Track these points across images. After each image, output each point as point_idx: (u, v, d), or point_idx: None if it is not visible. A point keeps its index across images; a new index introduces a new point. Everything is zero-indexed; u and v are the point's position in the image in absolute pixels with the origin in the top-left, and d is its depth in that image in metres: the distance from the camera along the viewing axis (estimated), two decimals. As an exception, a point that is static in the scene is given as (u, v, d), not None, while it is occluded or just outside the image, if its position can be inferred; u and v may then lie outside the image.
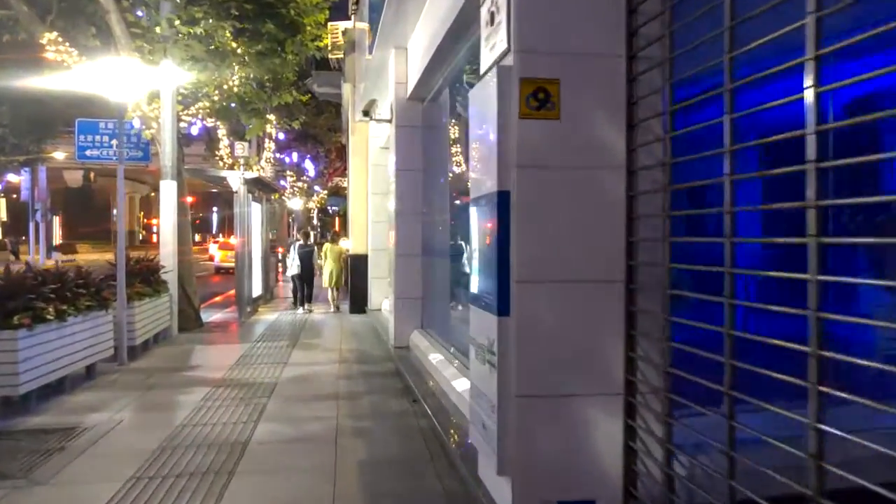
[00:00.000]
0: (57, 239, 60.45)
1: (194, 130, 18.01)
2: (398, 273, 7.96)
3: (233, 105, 12.34)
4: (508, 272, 3.00)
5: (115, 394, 6.27)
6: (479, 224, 3.41)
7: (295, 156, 26.38)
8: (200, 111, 11.11)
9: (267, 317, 12.66)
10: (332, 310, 13.53)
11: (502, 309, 3.01)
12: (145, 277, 8.90)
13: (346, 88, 13.53)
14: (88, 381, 6.80)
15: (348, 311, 13.14)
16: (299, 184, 25.38)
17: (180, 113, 10.97)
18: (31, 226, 37.33)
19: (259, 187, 13.76)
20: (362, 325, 11.39)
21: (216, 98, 11.04)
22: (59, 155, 37.67)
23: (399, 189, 7.98)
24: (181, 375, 7.20)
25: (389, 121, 8.24)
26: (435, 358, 6.64)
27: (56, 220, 63.43)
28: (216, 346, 9.23)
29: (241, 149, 11.70)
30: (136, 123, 11.00)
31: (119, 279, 7.72)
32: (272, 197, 21.21)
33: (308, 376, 7.07)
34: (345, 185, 44.59)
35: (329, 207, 68.05)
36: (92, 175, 74.05)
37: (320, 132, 24.83)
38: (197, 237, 66.05)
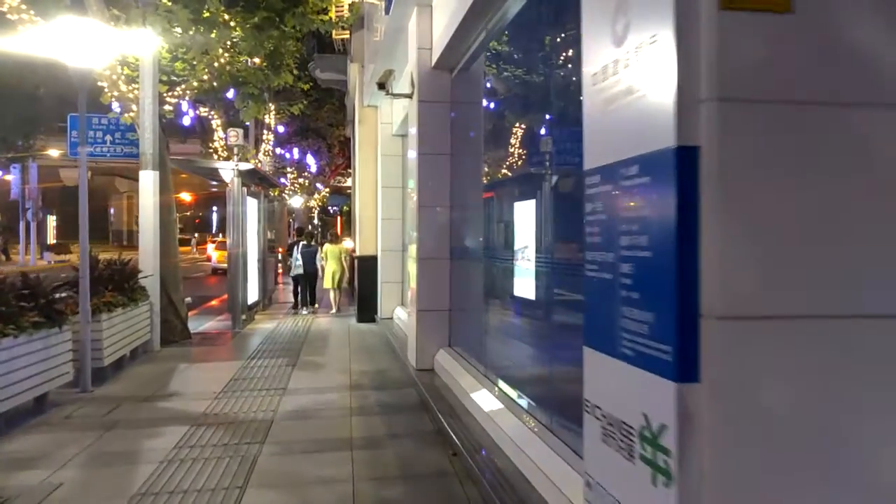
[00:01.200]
0: (51, 239, 59.11)
1: (186, 121, 16.69)
2: (421, 280, 6.56)
3: (228, 95, 11.01)
4: (694, 300, 1.60)
5: (63, 436, 4.87)
6: (612, 210, 2.00)
7: (296, 152, 24.97)
8: (188, 92, 9.70)
9: (265, 325, 11.26)
10: (333, 311, 12.91)
11: (684, 368, 1.60)
12: (118, 284, 7.50)
13: (353, 70, 12.15)
14: (37, 416, 5.41)
15: (355, 320, 11.74)
16: (300, 180, 23.94)
17: (164, 95, 9.58)
18: (22, 225, 35.99)
19: (255, 181, 12.37)
20: (373, 336, 9.99)
21: (206, 77, 9.64)
22: (53, 152, 36.44)
23: (422, 177, 6.58)
24: (154, 407, 5.80)
25: (410, 95, 6.83)
26: (471, 387, 5.24)
27: (50, 220, 62.15)
28: (203, 365, 7.83)
29: (234, 136, 10.26)
30: (116, 107, 9.67)
31: (82, 288, 6.31)
32: (271, 193, 19.85)
33: (312, 410, 5.67)
34: (347, 183, 43.15)
35: (330, 207, 66.72)
36: (90, 173, 73.03)
37: (322, 126, 23.42)
38: (196, 236, 64.96)
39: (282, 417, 5.40)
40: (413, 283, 6.81)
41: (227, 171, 10.81)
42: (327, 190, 36.18)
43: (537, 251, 4.78)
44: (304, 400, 5.99)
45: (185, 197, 58.85)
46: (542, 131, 4.80)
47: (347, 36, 12.66)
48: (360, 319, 11.46)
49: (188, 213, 71.23)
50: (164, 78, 9.69)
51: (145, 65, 8.46)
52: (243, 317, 11.55)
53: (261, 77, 10.16)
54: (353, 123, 15.72)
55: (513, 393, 4.75)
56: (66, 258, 44.56)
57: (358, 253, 11.80)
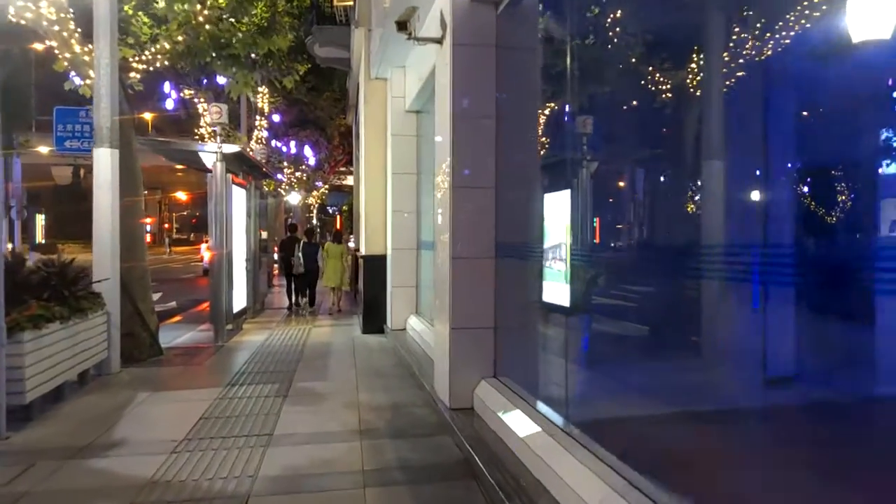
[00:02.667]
0: (40, 238, 57.35)
1: (169, 105, 14.99)
2: (456, 287, 4.84)
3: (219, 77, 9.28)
4: None
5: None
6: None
7: (293, 145, 23.21)
8: (158, 56, 7.98)
9: (254, 337, 9.54)
10: (334, 309, 12.68)
11: None
12: (56, 291, 5.78)
13: (358, 37, 10.43)
14: None
15: (360, 330, 10.02)
16: (298, 174, 22.19)
17: (131, 59, 7.87)
18: (4, 224, 34.22)
19: (244, 168, 10.65)
20: (383, 353, 8.27)
21: (180, 38, 7.93)
22: (43, 149, 34.70)
23: (458, 149, 4.87)
24: (82, 470, 4.08)
25: (439, 40, 5.12)
26: (544, 446, 3.53)
27: (39, 218, 60.37)
28: (169, 395, 6.11)
29: (216, 113, 8.55)
30: (76, 80, 7.98)
31: (-7, 297, 4.59)
32: (263, 185, 18.14)
33: (307, 476, 3.95)
34: (348, 182, 41.35)
35: (329, 207, 64.88)
36: (82, 171, 71.20)
37: (322, 116, 21.68)
38: (192, 236, 63.14)
39: (263, 489, 3.69)
40: (443, 292, 5.10)
41: (209, 154, 9.10)
42: (326, 187, 34.45)
43: (628, 247, 3.17)
44: (297, 456, 4.27)
45: (181, 196, 57.25)
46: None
47: (351, 3, 10.98)
48: (367, 330, 9.74)
49: (185, 213, 69.56)
50: (131, 41, 7.99)
51: (100, 12, 6.73)
52: (229, 327, 9.84)
53: (248, 40, 8.45)
54: (356, 105, 14.05)
55: (610, 457, 3.05)
56: (54, 258, 42.95)
57: (364, 252, 10.08)
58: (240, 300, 10.02)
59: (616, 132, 3.84)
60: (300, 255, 12.45)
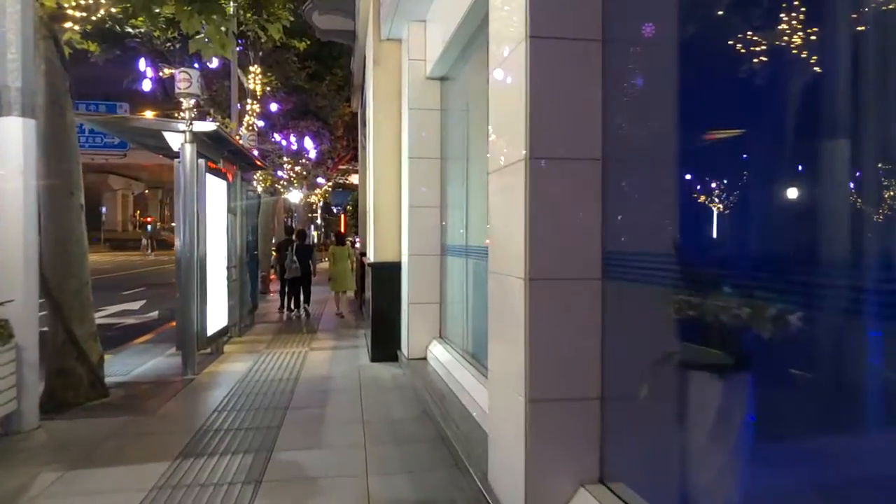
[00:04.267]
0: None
1: (146, 85, 13.02)
2: (537, 330, 2.83)
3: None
4: None
5: None
6: None
7: (292, 138, 21.21)
8: (102, 2, 6.01)
9: (234, 367, 7.57)
10: (337, 312, 12.48)
11: None
12: None
13: (365, -7, 8.46)
14: None
15: (367, 356, 8.03)
16: (297, 168, 20.18)
17: (65, 6, 5.91)
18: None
19: (224, 153, 8.67)
20: (400, 395, 6.28)
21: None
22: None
23: (538, 91, 2.85)
24: None
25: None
26: None
27: (32, 218, 58.59)
28: (85, 480, 4.12)
29: (184, 81, 6.58)
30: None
31: None
32: (257, 179, 16.19)
33: None
34: (352, 180, 39.31)
35: (333, 206, 62.91)
36: (80, 170, 69.46)
37: (324, 105, 19.66)
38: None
39: None
40: (506, 334, 3.10)
41: (175, 134, 7.13)
42: (329, 184, 32.48)
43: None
44: None
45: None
46: None
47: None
48: (376, 356, 7.75)
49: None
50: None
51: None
52: (206, 351, 7.89)
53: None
54: (362, 84, 12.08)
55: None
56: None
57: (372, 258, 8.09)
58: (218, 318, 8.05)
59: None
60: (295, 257, 12.01)
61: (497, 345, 3.28)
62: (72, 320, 5.83)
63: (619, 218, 2.82)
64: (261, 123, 18.49)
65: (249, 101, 14.38)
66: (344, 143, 23.12)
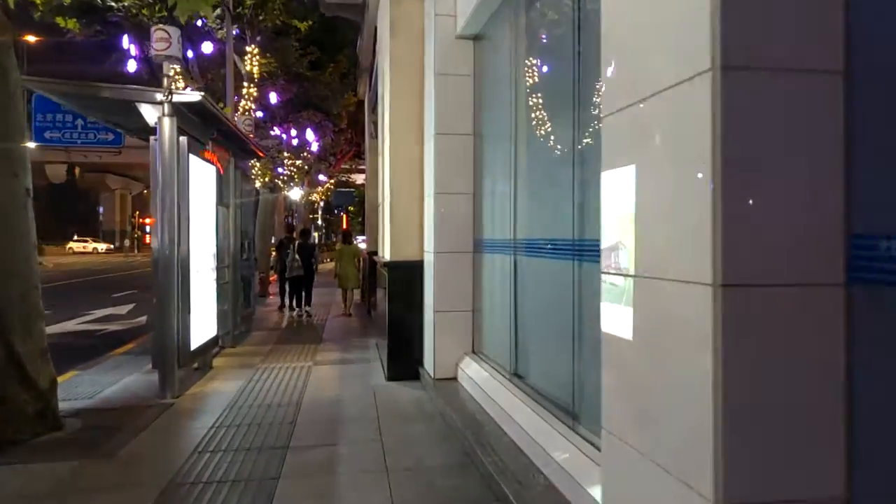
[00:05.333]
0: (26, 239, 54.37)
1: (131, 66, 11.76)
2: (735, 361, 1.58)
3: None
4: None
5: None
6: None
7: (293, 132, 19.93)
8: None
9: (223, 387, 6.33)
10: (344, 313, 12.27)
11: None
12: None
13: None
14: None
15: (383, 374, 6.77)
16: (298, 162, 18.89)
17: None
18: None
19: (214, 134, 7.40)
20: (428, 427, 5.01)
21: None
22: (31, 144, 31.80)
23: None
24: None
25: None
26: None
27: (26, 218, 57.45)
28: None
29: (162, 41, 5.32)
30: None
31: None
32: (253, 171, 14.95)
33: None
34: (353, 179, 38.05)
35: (335, 207, 61.66)
36: (77, 170, 68.28)
37: (326, 97, 18.37)
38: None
39: None
40: (656, 374, 1.84)
41: (150, 106, 5.87)
42: (331, 182, 31.26)
43: None
44: None
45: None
46: None
47: None
48: (393, 374, 6.49)
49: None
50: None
51: None
52: (194, 366, 6.66)
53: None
54: (371, 63, 10.89)
55: None
56: (39, 260, 39.90)
57: (387, 257, 6.83)
58: (205, 328, 6.79)
59: None
60: (296, 255, 11.79)
61: (636, 396, 2.01)
62: (13, 333, 4.59)
63: (881, 179, 1.56)
64: (259, 114, 17.26)
65: (246, 84, 13.12)
66: (347, 137, 21.87)
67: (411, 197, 6.49)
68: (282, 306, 12.75)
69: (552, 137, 4.09)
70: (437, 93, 5.82)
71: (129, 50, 11.13)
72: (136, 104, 5.88)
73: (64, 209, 63.45)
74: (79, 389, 6.20)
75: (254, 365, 7.42)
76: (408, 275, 6.45)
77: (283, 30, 15.39)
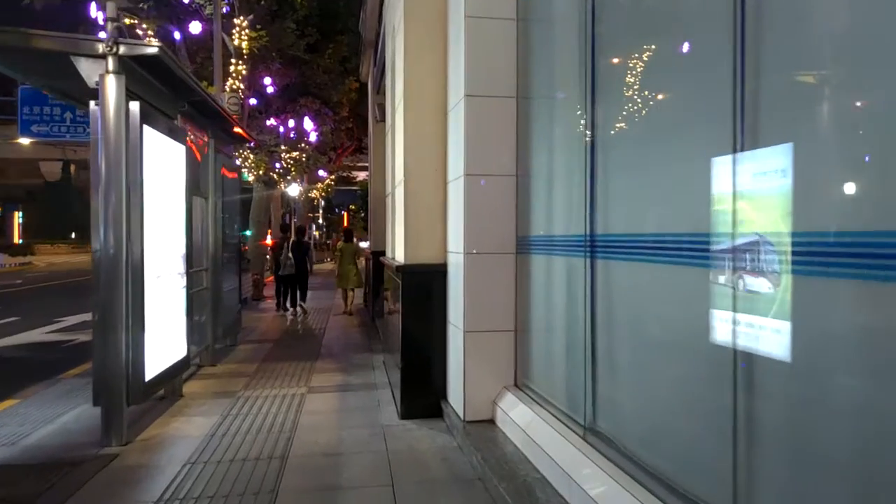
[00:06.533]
0: (17, 238, 53.07)
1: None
2: None
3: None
4: None
5: None
6: None
7: (291, 123, 18.47)
8: None
9: (189, 427, 4.91)
10: (345, 311, 12.10)
11: None
12: None
13: None
14: None
15: (396, 408, 5.33)
16: (295, 154, 17.40)
17: None
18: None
19: (180, 103, 5.94)
20: (461, 498, 3.57)
21: None
22: (25, 140, 30.57)
23: None
24: None
25: None
26: None
27: (17, 216, 56.15)
28: None
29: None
30: None
31: None
32: (244, 162, 13.55)
33: None
34: (358, 176, 36.49)
35: (336, 207, 60.10)
36: (72, 167, 66.88)
37: (325, 83, 16.89)
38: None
39: None
40: None
41: (88, 60, 4.43)
42: (332, 178, 29.79)
43: None
44: None
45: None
46: None
47: None
48: (409, 411, 5.03)
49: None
50: None
51: None
52: (159, 394, 5.24)
53: None
54: (377, 30, 9.49)
55: None
56: (28, 260, 38.66)
57: (401, 259, 5.38)
58: (169, 348, 5.34)
59: None
60: (290, 253, 11.56)
61: None
62: None
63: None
64: (253, 101, 15.82)
65: (234, 61, 11.65)
66: (348, 128, 20.40)
67: (431, 181, 5.06)
68: (279, 306, 12.22)
69: (670, 92, 2.66)
70: (469, 42, 4.37)
71: (96, 19, 9.71)
72: (71, 58, 4.44)
73: (61, 208, 62.09)
74: (2, 431, 4.78)
75: (234, 392, 5.99)
76: (426, 282, 5.01)
77: (278, 13, 13.96)
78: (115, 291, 4.41)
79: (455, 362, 4.68)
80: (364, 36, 10.95)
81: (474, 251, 4.38)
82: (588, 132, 3.30)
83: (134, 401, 4.56)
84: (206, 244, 7.29)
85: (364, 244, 17.32)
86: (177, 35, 14.43)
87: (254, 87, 15.83)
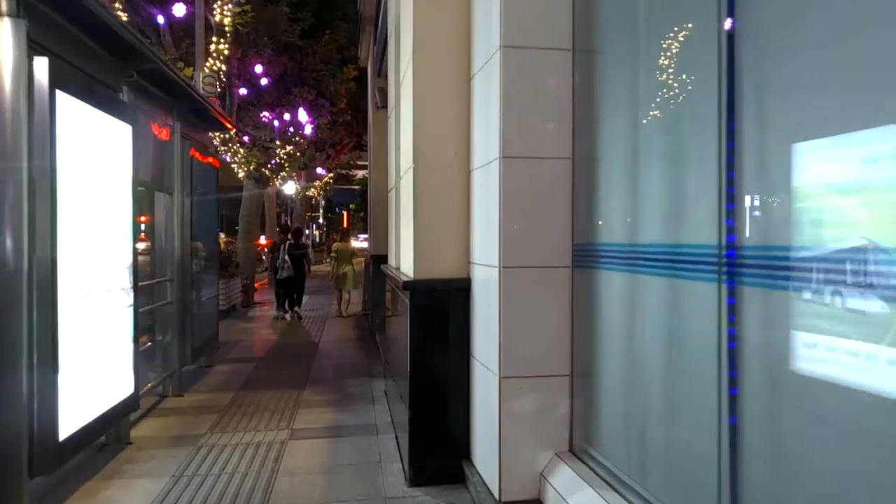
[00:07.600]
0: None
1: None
2: None
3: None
4: None
5: None
6: None
7: (286, 116, 17.18)
8: None
9: (122, 497, 3.64)
10: (341, 313, 11.85)
11: None
12: None
13: None
14: None
15: (403, 469, 4.06)
16: (289, 148, 16.08)
17: None
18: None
19: (127, 73, 4.66)
20: None
21: None
22: None
23: None
24: None
25: None
26: None
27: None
28: None
29: None
30: None
31: None
32: (213, 138, 12.33)
33: None
34: (357, 174, 35.17)
35: (336, 206, 58.80)
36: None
37: (321, 71, 15.62)
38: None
39: None
40: None
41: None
42: (331, 176, 28.50)
43: None
44: None
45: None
46: None
47: None
48: (420, 475, 3.76)
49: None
50: None
51: None
52: (100, 440, 4.00)
53: None
54: (377, 8, 8.25)
55: None
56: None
57: (410, 273, 4.09)
58: (104, 390, 4.07)
59: None
60: (286, 256, 11.18)
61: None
62: None
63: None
64: (243, 91, 14.55)
65: (215, 39, 10.37)
66: (347, 121, 19.13)
67: (449, 168, 3.79)
68: (278, 310, 11.66)
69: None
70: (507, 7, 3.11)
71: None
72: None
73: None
74: None
75: (196, 438, 4.73)
76: (443, 305, 3.75)
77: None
78: (10, 319, 3.15)
79: (485, 416, 3.41)
80: (363, 11, 9.70)
81: (513, 264, 3.11)
82: (720, 85, 2.03)
83: (40, 470, 3.29)
84: (172, 249, 6.04)
85: (359, 244, 16.32)
86: (160, 19, 13.22)
87: (244, 75, 14.57)
